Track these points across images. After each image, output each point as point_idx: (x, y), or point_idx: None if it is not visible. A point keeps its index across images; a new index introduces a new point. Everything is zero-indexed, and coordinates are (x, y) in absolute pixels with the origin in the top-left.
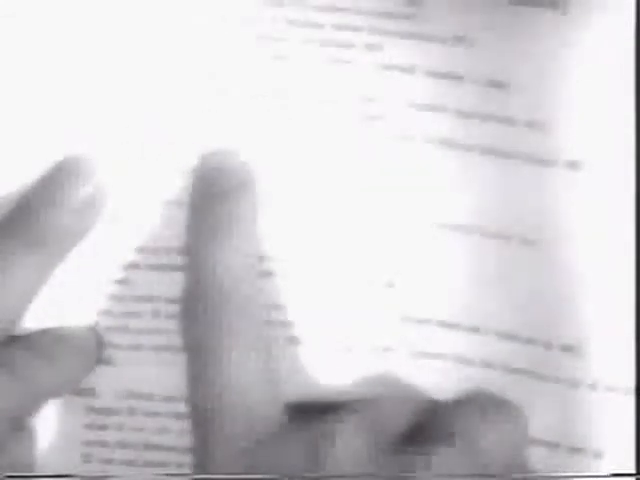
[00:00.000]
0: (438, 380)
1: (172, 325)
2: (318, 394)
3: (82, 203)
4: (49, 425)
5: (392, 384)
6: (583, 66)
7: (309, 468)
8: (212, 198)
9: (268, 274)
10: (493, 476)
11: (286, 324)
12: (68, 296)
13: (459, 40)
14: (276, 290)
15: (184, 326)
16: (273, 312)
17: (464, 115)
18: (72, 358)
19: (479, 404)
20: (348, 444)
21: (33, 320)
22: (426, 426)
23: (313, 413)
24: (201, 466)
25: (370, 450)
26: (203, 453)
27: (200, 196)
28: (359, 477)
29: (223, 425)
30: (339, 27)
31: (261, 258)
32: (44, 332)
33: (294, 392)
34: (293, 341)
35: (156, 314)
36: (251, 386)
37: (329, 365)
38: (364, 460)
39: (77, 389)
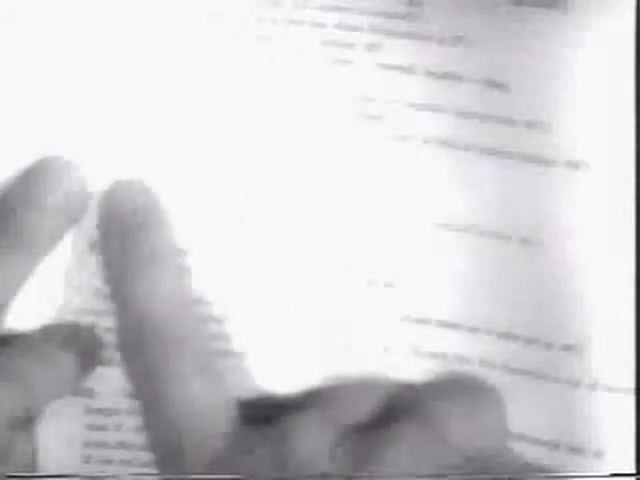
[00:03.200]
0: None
1: None
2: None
3: (61, 203)
4: (49, 425)
5: (354, 375)
6: (583, 66)
7: (273, 466)
8: (122, 234)
9: (266, 274)
10: (491, 475)
11: (284, 325)
12: (67, 297)
13: (459, 40)
14: (274, 290)
15: (124, 358)
16: (267, 312)
17: (463, 115)
18: (71, 359)
19: (448, 386)
20: (309, 438)
21: (32, 320)
22: (394, 409)
23: (267, 413)
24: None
25: (332, 440)
26: (168, 469)
27: (110, 232)
28: (320, 474)
29: (181, 444)
30: (339, 27)
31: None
32: (43, 332)
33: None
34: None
35: None
36: (204, 400)
37: (329, 365)
38: (327, 451)
39: (77, 389)
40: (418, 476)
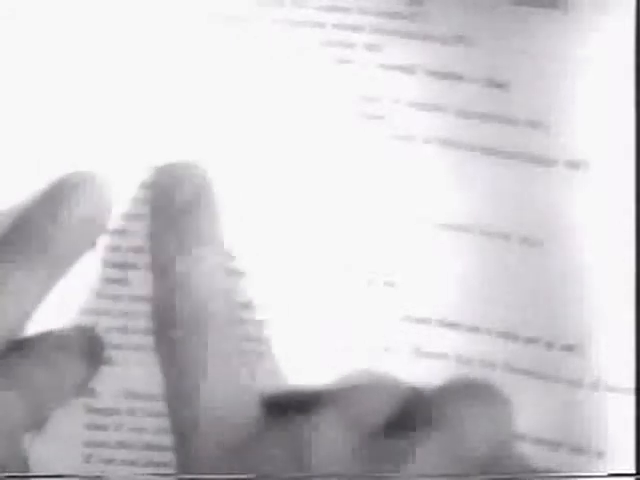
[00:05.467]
0: (438, 380)
1: None
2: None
3: (84, 218)
4: (49, 425)
5: (371, 377)
6: (583, 66)
7: (292, 464)
8: (173, 212)
9: (266, 274)
10: (491, 475)
11: (284, 324)
12: (67, 297)
13: (459, 40)
14: (274, 289)
15: (157, 338)
16: (268, 311)
17: (464, 115)
18: (74, 362)
19: (460, 391)
20: (328, 437)
21: (33, 324)
22: (408, 414)
23: (290, 408)
24: (185, 469)
25: (351, 441)
26: (186, 459)
27: (160, 210)
28: (339, 473)
29: (203, 431)
30: (340, 27)
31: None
32: (44, 337)
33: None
34: (288, 340)
35: None
36: (228, 392)
37: (328, 365)
38: (345, 451)
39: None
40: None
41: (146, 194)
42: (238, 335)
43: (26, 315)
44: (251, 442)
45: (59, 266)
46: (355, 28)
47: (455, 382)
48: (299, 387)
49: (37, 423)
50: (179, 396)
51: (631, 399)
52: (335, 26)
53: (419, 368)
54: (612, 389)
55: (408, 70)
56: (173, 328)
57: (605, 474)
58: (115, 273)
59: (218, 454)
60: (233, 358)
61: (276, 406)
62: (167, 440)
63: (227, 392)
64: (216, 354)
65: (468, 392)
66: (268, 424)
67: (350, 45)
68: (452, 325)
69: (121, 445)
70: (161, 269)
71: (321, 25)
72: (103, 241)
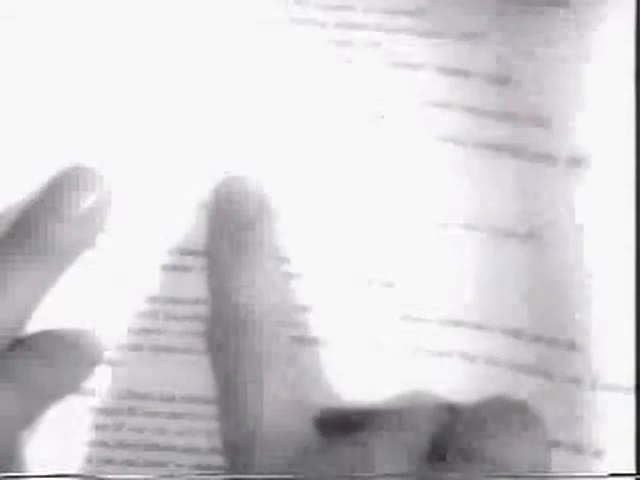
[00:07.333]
0: (441, 378)
1: (172, 325)
2: (343, 404)
3: (85, 214)
4: (49, 425)
5: (413, 393)
6: (584, 64)
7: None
8: (233, 226)
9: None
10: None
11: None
12: (68, 297)
13: (467, 37)
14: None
15: (211, 352)
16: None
17: (471, 112)
18: (73, 360)
19: (500, 414)
20: (382, 462)
21: (33, 322)
22: (448, 438)
23: (341, 427)
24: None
25: (402, 465)
26: (238, 469)
27: (220, 224)
28: None
29: (255, 450)
30: (347, 25)
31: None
32: (44, 335)
33: (319, 400)
34: (308, 342)
35: (156, 314)
36: (281, 409)
37: (329, 365)
38: (397, 476)
39: (78, 389)
40: None
41: (206, 207)
42: (291, 351)
43: (26, 314)
44: (302, 457)
45: (59, 264)
46: (362, 26)
47: (493, 403)
48: (351, 405)
49: (32, 422)
50: (232, 406)
51: (631, 398)
52: (342, 25)
53: (420, 367)
54: (612, 388)
55: (417, 67)
56: (229, 338)
57: (605, 474)
58: (115, 275)
59: (269, 466)
60: (285, 373)
61: (327, 423)
62: (167, 440)
63: (281, 405)
64: (268, 372)
65: (505, 415)
66: (321, 444)
67: (358, 43)
68: (455, 323)
69: (121, 445)
70: (219, 282)
71: (327, 24)
72: (103, 241)
